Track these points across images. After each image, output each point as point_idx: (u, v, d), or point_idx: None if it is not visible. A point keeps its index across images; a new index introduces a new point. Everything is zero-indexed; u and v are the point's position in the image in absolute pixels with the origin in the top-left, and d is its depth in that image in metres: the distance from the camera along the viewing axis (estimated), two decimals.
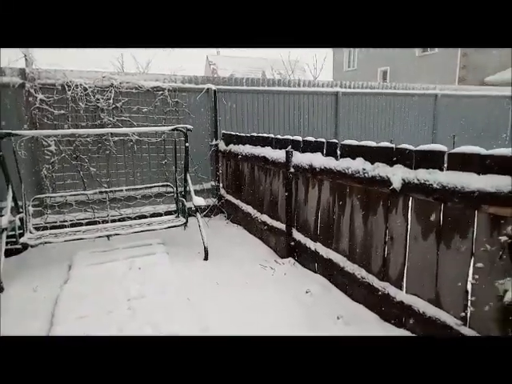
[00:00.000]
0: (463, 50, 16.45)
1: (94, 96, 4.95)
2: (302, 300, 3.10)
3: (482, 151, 2.08)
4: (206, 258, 4.04)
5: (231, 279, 3.51)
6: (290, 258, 3.94)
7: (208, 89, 5.67)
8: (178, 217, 4.59)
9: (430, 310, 2.44)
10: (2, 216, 3.69)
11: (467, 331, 2.18)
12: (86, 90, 4.89)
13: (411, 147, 2.56)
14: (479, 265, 2.08)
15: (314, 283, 3.34)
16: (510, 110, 8.43)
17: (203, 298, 3.12)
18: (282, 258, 4.04)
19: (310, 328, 2.66)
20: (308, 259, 3.75)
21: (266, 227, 4.49)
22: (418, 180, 2.43)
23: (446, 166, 2.30)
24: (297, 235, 3.92)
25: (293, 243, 3.95)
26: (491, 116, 8.30)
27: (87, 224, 4.59)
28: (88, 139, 4.98)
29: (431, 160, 2.38)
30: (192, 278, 3.51)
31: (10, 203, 3.73)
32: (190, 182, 4.51)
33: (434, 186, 2.31)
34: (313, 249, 3.62)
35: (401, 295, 2.67)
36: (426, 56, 18.46)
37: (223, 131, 5.76)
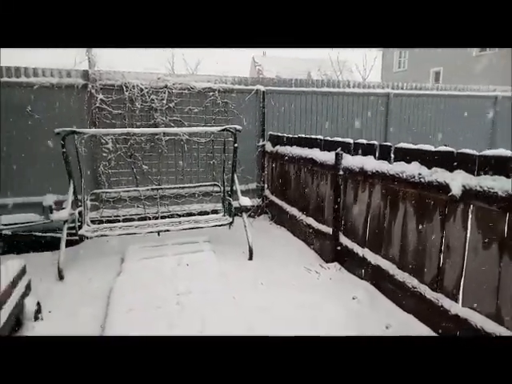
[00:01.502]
0: None
1: (149, 96, 5.16)
2: (349, 306, 3.03)
3: None
4: (250, 258, 4.07)
5: (275, 280, 3.51)
6: (336, 263, 3.87)
7: (257, 90, 5.72)
8: (224, 216, 4.67)
9: (489, 326, 2.29)
10: (64, 209, 3.96)
11: None
12: (141, 90, 5.11)
13: (474, 152, 2.43)
14: None
15: (361, 290, 3.26)
16: None
17: (248, 297, 3.15)
18: (327, 262, 3.98)
19: (356, 335, 2.60)
20: (354, 265, 3.66)
21: (311, 230, 4.45)
22: (481, 187, 2.29)
23: None
24: (344, 240, 3.84)
25: (339, 248, 3.88)
26: None
27: (139, 219, 4.80)
28: (142, 138, 5.21)
29: (496, 166, 2.24)
30: (237, 276, 3.55)
31: (71, 197, 3.99)
32: (236, 181, 4.58)
33: (499, 193, 2.17)
34: (360, 254, 3.53)
35: (456, 308, 2.53)
36: (483, 56, 17.37)
37: (270, 132, 5.79)
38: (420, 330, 2.70)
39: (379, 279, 3.29)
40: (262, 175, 5.93)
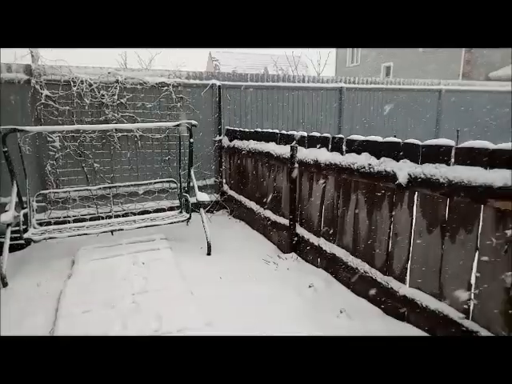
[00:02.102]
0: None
1: (98, 92, 4.95)
2: (305, 294, 3.11)
3: (490, 146, 2.07)
4: (209, 253, 4.05)
5: (234, 274, 3.52)
6: (293, 253, 3.94)
7: (212, 84, 5.67)
8: (181, 212, 4.60)
9: (433, 304, 2.44)
10: (6, 211, 3.71)
11: (469, 324, 2.19)
12: (91, 85, 4.89)
13: (418, 142, 2.55)
14: (484, 258, 2.08)
15: (317, 278, 3.35)
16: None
17: (206, 292, 3.14)
18: (285, 253, 4.05)
19: (313, 321, 2.67)
20: (311, 254, 3.76)
21: (269, 223, 4.50)
22: (425, 175, 2.42)
23: (453, 160, 2.29)
24: (300, 230, 3.92)
25: (296, 238, 3.96)
26: (495, 111, 8.25)
27: (91, 219, 4.61)
28: (92, 135, 4.99)
29: (438, 155, 2.38)
30: (195, 272, 3.52)
31: (14, 199, 3.75)
32: (193, 177, 4.52)
33: (441, 180, 2.30)
34: (316, 244, 3.62)
35: (404, 289, 2.67)
36: (430, 52, 18.33)
37: (227, 127, 5.77)
38: (371, 311, 2.82)
39: (334, 267, 3.40)
40: (219, 170, 5.90)
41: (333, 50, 25.15)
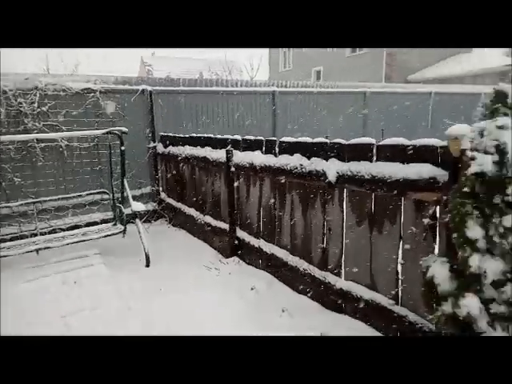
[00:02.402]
0: (388, 50, 17.64)
1: (15, 100, 4.56)
2: (248, 297, 3.11)
3: (406, 142, 2.24)
4: (147, 265, 3.90)
5: (175, 284, 3.42)
6: (235, 257, 3.94)
7: (143, 90, 5.50)
8: (115, 224, 4.38)
9: (367, 294, 2.57)
10: None
11: (399, 309, 2.34)
12: (5, 93, 4.49)
13: (343, 141, 2.69)
14: (407, 246, 2.24)
15: (259, 279, 3.38)
16: (429, 104, 9.19)
17: (146, 305, 3.01)
18: (227, 257, 4.03)
19: (256, 323, 2.68)
20: (252, 257, 3.78)
21: (209, 228, 4.45)
22: (351, 172, 2.55)
23: (375, 157, 2.44)
24: (240, 234, 3.93)
25: (237, 242, 3.96)
26: (414, 110, 9.00)
27: (11, 240, 4.20)
28: (10, 146, 4.57)
29: (362, 152, 2.52)
30: (133, 286, 3.37)
31: None
32: (127, 187, 4.33)
33: (366, 176, 2.44)
34: (256, 246, 3.65)
35: (340, 282, 2.79)
36: (355, 56, 19.54)
37: (161, 133, 5.61)
38: (311, 307, 2.91)
39: (275, 267, 3.45)
40: (155, 178, 5.72)
41: (265, 55, 25.77)
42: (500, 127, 1.30)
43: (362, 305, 2.61)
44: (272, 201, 3.44)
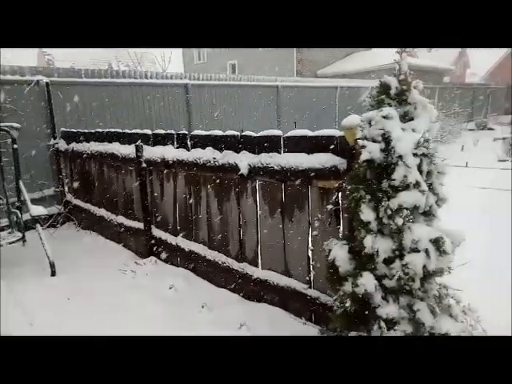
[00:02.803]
0: None
1: None
2: (167, 296, 3.03)
3: (309, 133, 2.35)
4: (53, 274, 3.55)
5: (87, 291, 3.18)
6: (152, 257, 3.79)
7: (38, 81, 4.95)
8: (11, 232, 3.90)
9: (283, 281, 2.67)
10: None
11: (312, 292, 2.47)
12: None
13: (253, 134, 2.73)
14: (315, 233, 2.37)
15: (178, 277, 3.30)
16: (336, 97, 9.84)
17: (51, 319, 2.74)
18: (144, 258, 3.86)
19: (175, 322, 2.62)
20: (170, 255, 3.67)
21: (123, 229, 4.21)
22: (262, 164, 2.60)
23: (282, 148, 2.52)
24: (157, 232, 3.79)
25: (153, 241, 3.81)
26: (324, 103, 9.56)
27: None
28: None
29: (271, 144, 2.58)
30: (36, 299, 3.05)
31: None
32: (24, 189, 3.88)
33: (275, 167, 2.51)
34: (174, 243, 3.55)
35: (258, 272, 2.85)
36: (268, 50, 19.99)
37: (62, 129, 5.12)
38: (231, 299, 2.93)
39: (194, 263, 3.40)
40: (59, 178, 5.22)
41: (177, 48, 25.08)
42: (385, 117, 1.42)
43: (279, 292, 2.70)
44: (187, 196, 3.37)
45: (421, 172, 1.40)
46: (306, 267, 2.52)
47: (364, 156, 1.43)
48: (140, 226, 3.92)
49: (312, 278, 2.51)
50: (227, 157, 2.86)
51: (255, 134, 2.72)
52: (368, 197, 1.41)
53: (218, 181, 3.02)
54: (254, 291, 2.91)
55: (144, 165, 3.67)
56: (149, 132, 3.67)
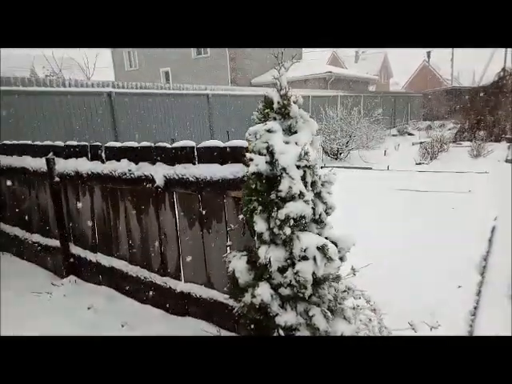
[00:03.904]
0: (231, 55, 18.59)
1: None
2: (84, 318, 2.85)
3: (221, 144, 2.36)
4: None
5: None
6: (71, 276, 3.56)
7: None
8: None
9: (205, 293, 2.65)
10: None
11: (232, 302, 2.48)
12: None
13: (167, 145, 2.69)
14: (229, 243, 2.38)
15: (99, 297, 3.13)
16: None
17: None
18: (62, 277, 3.61)
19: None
20: (91, 273, 3.47)
21: (39, 248, 3.91)
22: (177, 175, 2.57)
23: (197, 160, 2.51)
24: (75, 250, 3.57)
25: (72, 259, 3.58)
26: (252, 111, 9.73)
27: None
28: None
29: (185, 155, 2.56)
30: None
31: None
32: None
33: (190, 179, 2.49)
34: (94, 260, 3.37)
35: (180, 286, 2.80)
36: (201, 58, 19.98)
37: None
38: (154, 315, 2.85)
39: (116, 280, 3.25)
40: None
41: (105, 54, 24.13)
42: (268, 130, 1.47)
43: (202, 304, 2.67)
44: (105, 210, 3.22)
45: (306, 183, 1.48)
46: (225, 278, 2.52)
47: (252, 169, 1.47)
48: (57, 243, 3.66)
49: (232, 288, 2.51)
50: (142, 168, 2.79)
51: (170, 146, 2.68)
52: (260, 208, 1.45)
53: (135, 194, 2.93)
54: (178, 305, 2.85)
55: (57, 179, 3.44)
56: (61, 144, 3.46)
